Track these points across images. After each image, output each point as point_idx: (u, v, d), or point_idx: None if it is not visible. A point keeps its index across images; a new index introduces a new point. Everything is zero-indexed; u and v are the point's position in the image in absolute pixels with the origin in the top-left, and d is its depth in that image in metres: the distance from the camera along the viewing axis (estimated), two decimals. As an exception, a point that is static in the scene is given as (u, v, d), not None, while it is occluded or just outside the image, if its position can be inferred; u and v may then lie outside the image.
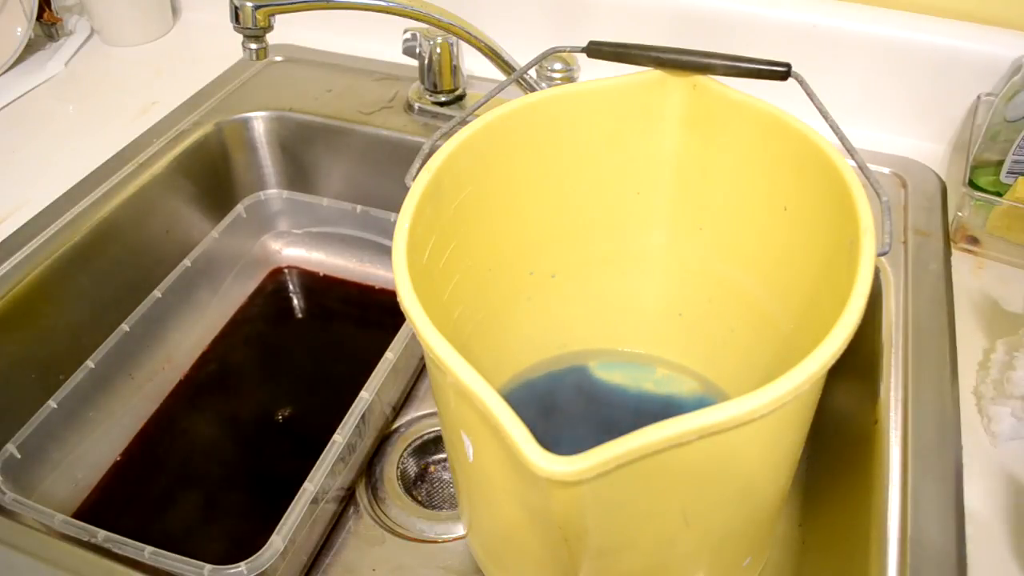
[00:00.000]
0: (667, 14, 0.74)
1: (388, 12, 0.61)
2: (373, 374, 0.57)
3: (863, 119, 0.69)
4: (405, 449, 0.65)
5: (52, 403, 0.57)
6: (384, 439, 0.65)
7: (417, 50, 0.72)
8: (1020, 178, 0.57)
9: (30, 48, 0.87)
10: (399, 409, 0.67)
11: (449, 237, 0.47)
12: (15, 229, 0.64)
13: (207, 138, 0.76)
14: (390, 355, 0.58)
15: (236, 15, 0.58)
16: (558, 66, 0.69)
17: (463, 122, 0.47)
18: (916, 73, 0.66)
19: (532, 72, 0.70)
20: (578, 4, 0.77)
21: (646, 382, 0.61)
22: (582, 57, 0.52)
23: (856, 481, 0.49)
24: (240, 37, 0.59)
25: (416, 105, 0.75)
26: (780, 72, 0.46)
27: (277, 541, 0.48)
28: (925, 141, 0.65)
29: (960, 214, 0.59)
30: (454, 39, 0.71)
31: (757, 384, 0.31)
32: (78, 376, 0.59)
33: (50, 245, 0.63)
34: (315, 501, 0.51)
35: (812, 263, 0.45)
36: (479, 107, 0.50)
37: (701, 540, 0.41)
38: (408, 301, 0.37)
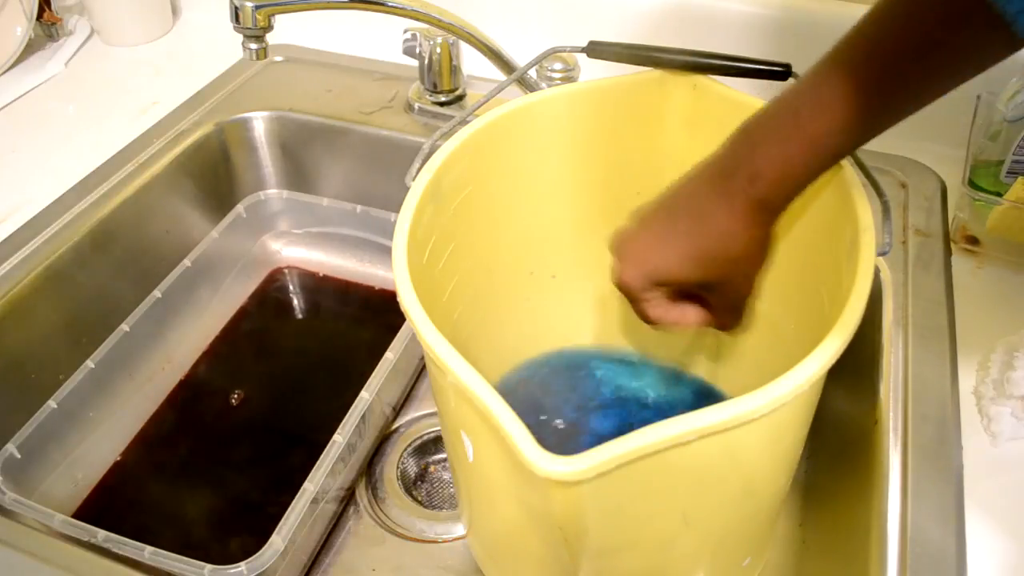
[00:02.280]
0: (667, 14, 0.74)
1: (388, 12, 0.61)
2: (373, 374, 0.57)
3: (863, 119, 0.69)
4: (405, 449, 0.65)
5: (52, 403, 0.57)
6: (384, 439, 0.65)
7: (417, 50, 0.72)
8: (1020, 178, 0.57)
9: (30, 48, 0.87)
10: (399, 409, 0.67)
11: (449, 237, 0.47)
12: (15, 229, 0.64)
13: (207, 138, 0.76)
14: (390, 355, 0.58)
15: (236, 15, 0.58)
16: (558, 66, 0.69)
17: (463, 122, 0.47)
18: (916, 73, 0.66)
19: (532, 72, 0.70)
20: (578, 4, 0.77)
21: (646, 382, 0.61)
22: (582, 57, 0.52)
23: (856, 481, 0.49)
24: (240, 37, 0.59)
25: (416, 105, 0.75)
26: (780, 72, 0.47)
27: (277, 541, 0.48)
28: (925, 141, 0.65)
29: (960, 214, 0.59)
30: (454, 39, 0.71)
31: (757, 384, 0.31)
32: (78, 376, 0.59)
33: (50, 245, 0.63)
34: (315, 501, 0.51)
35: (812, 263, 0.45)
36: (479, 107, 0.50)
37: (701, 540, 0.41)
38: (408, 301, 0.37)
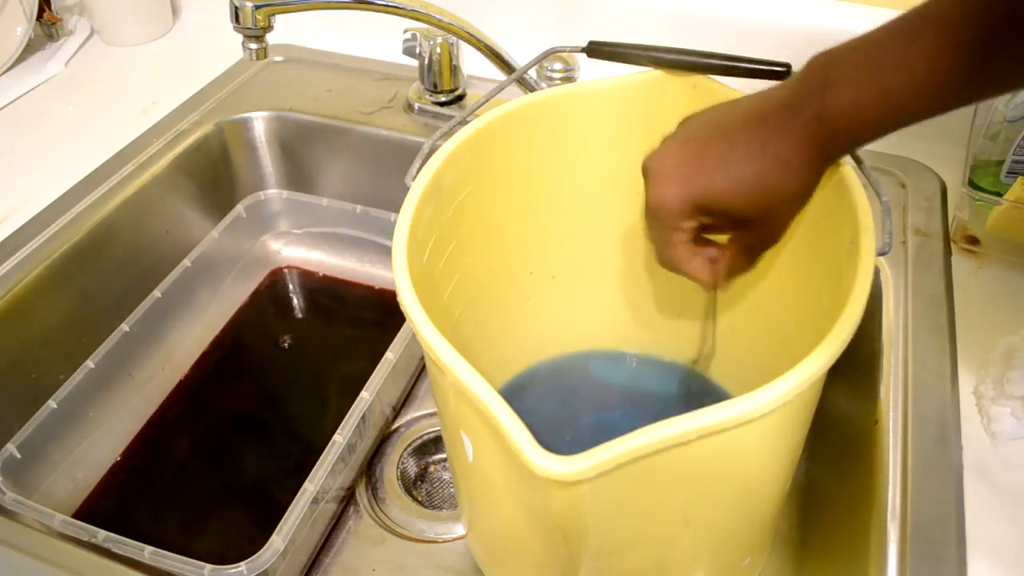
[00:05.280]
0: (667, 14, 0.74)
1: (388, 12, 0.62)
2: (373, 374, 0.57)
3: (863, 119, 0.69)
4: (405, 449, 0.65)
5: (52, 403, 0.57)
6: (384, 439, 0.65)
7: (417, 50, 0.72)
8: (1020, 178, 0.57)
9: (30, 48, 0.87)
10: (399, 409, 0.67)
11: (449, 237, 0.47)
12: (15, 229, 0.64)
13: (207, 138, 0.76)
14: (390, 355, 0.58)
15: (236, 15, 0.58)
16: (558, 66, 0.69)
17: (463, 122, 0.47)
18: (916, 73, 0.66)
19: (532, 72, 0.70)
20: (578, 4, 0.77)
21: (646, 382, 0.61)
22: (582, 57, 0.51)
23: (856, 481, 0.49)
24: (240, 37, 0.59)
25: (416, 105, 0.75)
26: (780, 72, 0.46)
27: (277, 541, 0.48)
28: (925, 141, 0.65)
29: (960, 214, 0.59)
30: (454, 39, 0.71)
31: (757, 384, 0.31)
32: (78, 376, 0.59)
33: (50, 245, 0.63)
34: (315, 501, 0.51)
35: (812, 263, 0.45)
36: (479, 107, 0.50)
37: (701, 540, 0.41)
38: (408, 301, 0.37)
